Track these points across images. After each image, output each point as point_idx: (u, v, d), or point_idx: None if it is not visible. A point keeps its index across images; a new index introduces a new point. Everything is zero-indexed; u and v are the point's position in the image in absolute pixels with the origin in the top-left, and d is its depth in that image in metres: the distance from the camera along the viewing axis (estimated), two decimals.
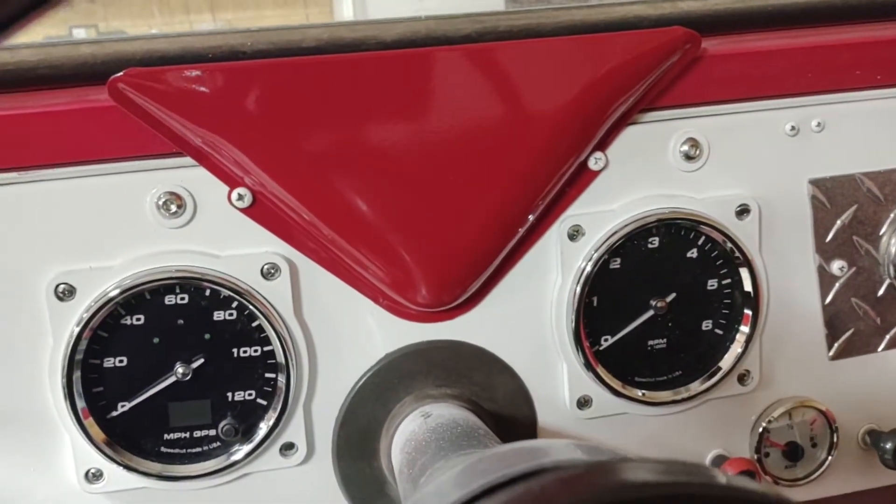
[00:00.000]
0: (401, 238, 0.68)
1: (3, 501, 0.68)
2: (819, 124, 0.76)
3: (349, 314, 0.71)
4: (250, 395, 0.70)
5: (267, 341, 0.70)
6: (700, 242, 0.75)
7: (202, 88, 0.63)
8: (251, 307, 0.68)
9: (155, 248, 0.67)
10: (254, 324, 0.69)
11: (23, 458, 0.68)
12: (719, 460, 0.80)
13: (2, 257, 0.65)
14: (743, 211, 0.75)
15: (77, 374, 0.66)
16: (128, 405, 0.68)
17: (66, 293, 0.66)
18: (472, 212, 0.69)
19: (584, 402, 0.76)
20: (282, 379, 0.70)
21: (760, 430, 0.80)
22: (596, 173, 0.73)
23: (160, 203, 0.66)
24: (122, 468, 0.68)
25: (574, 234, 0.73)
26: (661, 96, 0.72)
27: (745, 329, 0.77)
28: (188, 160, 0.66)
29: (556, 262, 0.73)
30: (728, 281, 0.77)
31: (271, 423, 0.70)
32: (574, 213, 0.73)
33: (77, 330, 0.66)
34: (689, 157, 0.74)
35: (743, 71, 0.73)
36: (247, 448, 0.70)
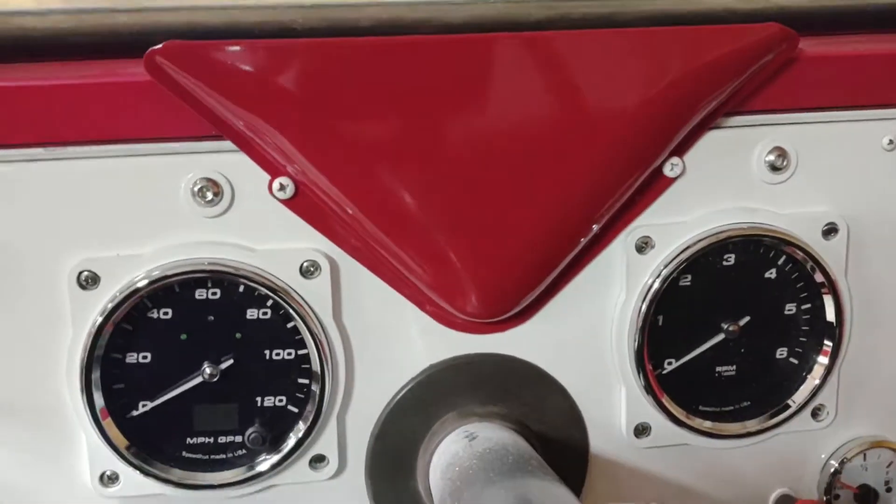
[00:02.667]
0: (452, 240, 0.63)
1: (17, 499, 0.65)
2: None
3: (392, 320, 0.66)
4: (281, 401, 0.66)
5: (302, 344, 0.65)
6: (780, 262, 0.69)
7: (247, 67, 0.58)
8: (287, 307, 0.63)
9: (187, 237, 0.63)
10: (289, 325, 0.64)
11: (35, 456, 0.64)
12: (784, 500, 0.74)
13: (23, 239, 0.61)
14: (830, 230, 0.69)
15: (97, 369, 0.62)
16: (149, 405, 0.64)
17: (89, 281, 0.61)
18: (531, 217, 0.63)
19: (641, 430, 0.70)
20: (316, 386, 0.65)
21: (832, 469, 0.74)
22: (671, 180, 0.67)
23: (196, 190, 0.62)
24: (139, 472, 0.64)
25: (642, 246, 0.67)
26: (749, 99, 0.66)
27: (823, 360, 0.71)
28: (228, 145, 0.61)
29: (621, 276, 0.68)
30: (808, 306, 0.70)
31: (302, 432, 0.65)
32: (644, 224, 0.67)
33: (99, 321, 0.61)
34: (774, 168, 0.68)
35: (841, 76, 0.67)
36: (274, 458, 0.65)
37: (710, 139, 0.66)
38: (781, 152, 0.67)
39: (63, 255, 0.61)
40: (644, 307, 0.67)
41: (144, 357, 0.63)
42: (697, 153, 0.67)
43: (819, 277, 0.69)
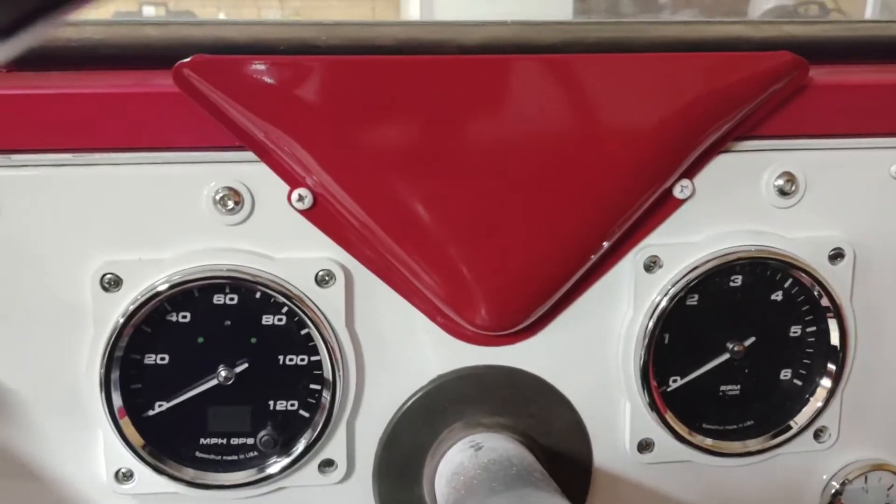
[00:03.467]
0: (464, 254, 0.64)
1: (34, 492, 0.66)
2: None
3: (403, 330, 0.67)
4: (293, 405, 0.67)
5: (315, 351, 0.66)
6: (787, 285, 0.70)
7: (271, 81, 0.60)
8: (301, 314, 0.65)
9: (208, 244, 0.64)
10: (303, 331, 0.66)
11: (54, 452, 0.66)
12: None
13: (50, 241, 0.63)
14: (837, 255, 0.70)
15: (116, 369, 0.64)
16: (166, 405, 0.66)
17: (112, 283, 0.63)
18: (542, 233, 0.65)
19: (645, 446, 0.71)
20: (327, 392, 0.66)
21: (833, 491, 0.75)
22: (680, 202, 0.68)
23: (217, 198, 0.63)
24: (153, 471, 0.65)
25: (651, 265, 0.68)
26: (759, 125, 0.67)
27: (826, 383, 0.71)
28: (250, 155, 0.63)
29: (629, 294, 0.69)
30: (813, 329, 0.71)
31: (312, 437, 0.66)
32: (653, 243, 0.68)
33: (120, 322, 0.63)
34: (783, 193, 0.69)
35: (850, 104, 0.68)
36: (284, 461, 0.67)
37: (721, 163, 0.68)
38: (790, 177, 0.68)
39: (87, 257, 0.63)
40: (651, 325, 0.68)
41: (162, 359, 0.65)
42: (707, 176, 0.68)
43: (825, 301, 0.70)
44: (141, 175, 0.63)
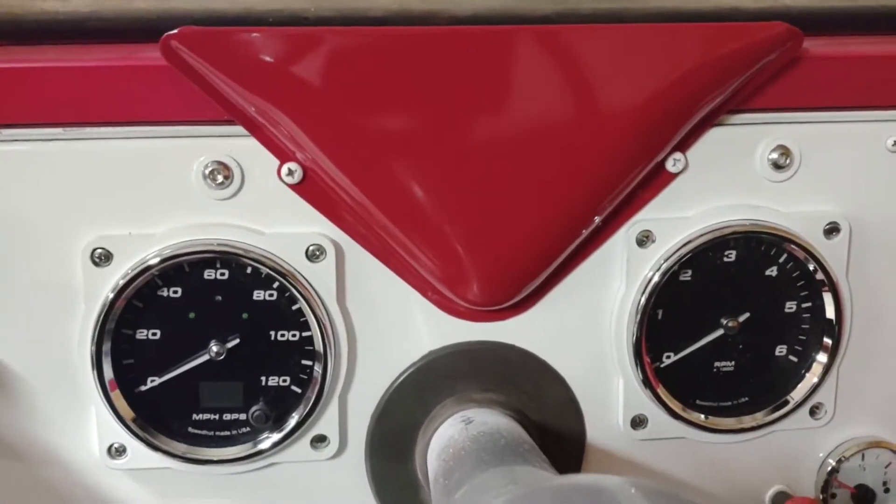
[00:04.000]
0: (455, 229, 0.64)
1: (26, 469, 0.66)
2: None
3: (394, 306, 0.67)
4: (284, 381, 0.67)
5: (306, 326, 0.66)
6: (781, 260, 0.69)
7: (260, 54, 0.59)
8: (292, 289, 0.65)
9: (198, 218, 0.64)
10: (294, 307, 0.66)
11: (47, 427, 0.66)
12: (780, 497, 0.74)
13: (40, 216, 0.63)
14: (832, 230, 0.69)
15: (107, 344, 0.64)
16: (157, 380, 0.66)
17: (102, 258, 0.63)
18: (533, 208, 0.64)
19: (638, 422, 0.71)
20: (318, 367, 0.66)
21: (829, 468, 0.74)
22: (673, 176, 0.67)
23: (207, 172, 0.63)
24: (146, 446, 0.65)
25: (643, 240, 0.68)
26: (753, 97, 0.66)
27: (822, 358, 0.71)
28: (239, 129, 0.63)
29: (621, 269, 0.68)
30: (808, 304, 0.70)
31: (304, 412, 0.67)
32: (645, 218, 0.68)
33: (111, 297, 0.63)
34: (777, 166, 0.68)
35: (846, 76, 0.67)
36: (276, 436, 0.67)
37: (714, 136, 0.67)
38: (785, 151, 0.68)
39: (78, 232, 0.63)
40: (643, 300, 0.67)
41: (154, 333, 0.65)
42: (700, 149, 0.67)
43: (820, 276, 0.69)
44: (130, 149, 0.62)
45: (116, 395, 0.64)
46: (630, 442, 0.71)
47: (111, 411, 0.64)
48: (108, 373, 0.64)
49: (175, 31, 0.59)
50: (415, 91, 0.61)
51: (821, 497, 0.74)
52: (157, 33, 0.59)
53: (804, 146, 0.68)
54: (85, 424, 0.66)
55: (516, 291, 0.67)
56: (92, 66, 0.60)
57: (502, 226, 0.64)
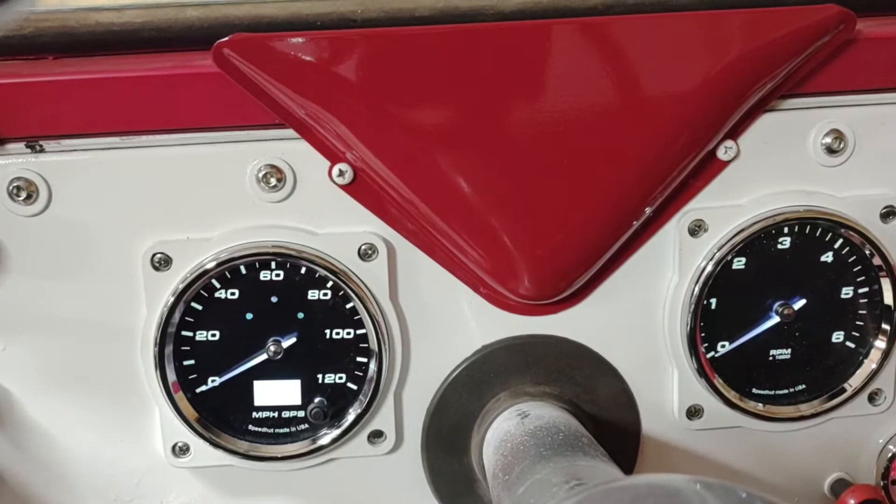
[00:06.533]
0: (505, 224, 0.64)
1: (93, 469, 0.68)
2: None
3: (446, 301, 0.68)
4: (341, 378, 0.68)
5: (360, 324, 0.67)
6: (837, 246, 0.68)
7: (308, 57, 0.60)
8: (346, 288, 0.66)
9: (252, 221, 0.65)
10: (348, 305, 0.67)
11: (113, 427, 0.68)
12: (840, 485, 0.73)
13: (100, 224, 0.64)
14: (889, 213, 0.68)
15: (169, 346, 0.65)
16: (218, 380, 0.67)
17: (162, 263, 0.65)
18: (583, 200, 0.64)
19: (694, 412, 0.70)
20: (373, 364, 0.67)
21: (889, 454, 0.73)
22: (725, 164, 0.67)
23: (260, 176, 0.64)
24: (208, 444, 0.67)
25: (696, 229, 0.67)
26: (805, 81, 0.65)
27: (880, 344, 0.70)
28: (290, 132, 0.63)
29: (674, 259, 0.68)
30: (865, 290, 0.69)
31: (361, 408, 0.68)
32: (697, 207, 0.67)
33: (171, 301, 0.64)
34: (831, 151, 0.67)
35: None
36: (334, 433, 0.68)
37: (765, 122, 0.66)
38: (839, 135, 0.67)
39: (137, 238, 0.64)
40: (697, 290, 0.67)
41: (213, 335, 0.67)
42: (752, 136, 0.66)
43: (877, 261, 0.68)
44: (186, 155, 0.64)
45: (180, 397, 0.66)
46: (686, 432, 0.71)
47: (175, 412, 0.66)
48: (171, 375, 0.66)
49: (226, 38, 0.60)
50: (462, 87, 0.61)
51: (881, 484, 0.73)
52: (208, 41, 0.60)
53: (858, 129, 0.67)
54: (150, 425, 0.68)
55: (567, 285, 0.67)
56: (146, 75, 0.62)
57: (552, 219, 0.64)
